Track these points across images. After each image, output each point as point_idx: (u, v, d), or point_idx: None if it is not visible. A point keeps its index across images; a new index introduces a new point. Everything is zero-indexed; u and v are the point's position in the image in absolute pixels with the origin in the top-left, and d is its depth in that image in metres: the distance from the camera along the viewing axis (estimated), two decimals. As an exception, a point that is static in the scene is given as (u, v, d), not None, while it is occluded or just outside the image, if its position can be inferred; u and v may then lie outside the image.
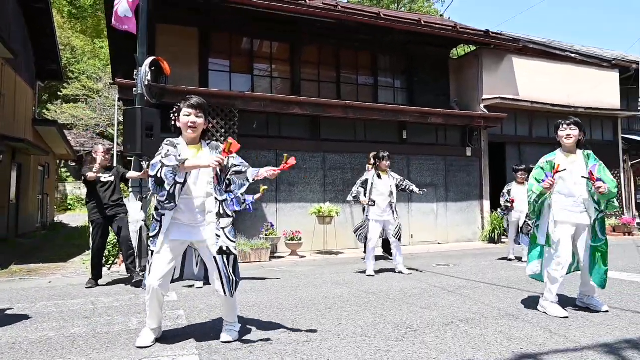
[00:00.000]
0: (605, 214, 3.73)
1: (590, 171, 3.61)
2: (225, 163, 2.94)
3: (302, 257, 8.19)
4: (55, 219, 17.38)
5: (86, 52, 26.56)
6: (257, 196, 5.74)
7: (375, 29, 9.80)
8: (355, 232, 6.31)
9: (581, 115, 11.99)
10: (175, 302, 4.31)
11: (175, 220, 2.93)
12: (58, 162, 19.31)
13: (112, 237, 6.13)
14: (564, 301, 4.02)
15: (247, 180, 3.09)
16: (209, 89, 8.67)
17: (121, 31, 6.39)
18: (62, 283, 5.55)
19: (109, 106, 20.43)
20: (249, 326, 3.39)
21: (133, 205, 5.89)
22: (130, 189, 6.47)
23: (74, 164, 22.37)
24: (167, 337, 3.12)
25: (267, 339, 3.07)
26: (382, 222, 5.94)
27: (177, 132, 3.06)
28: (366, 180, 5.99)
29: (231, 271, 2.95)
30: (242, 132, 8.36)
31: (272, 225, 8.29)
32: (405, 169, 10.09)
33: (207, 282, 5.07)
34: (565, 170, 3.66)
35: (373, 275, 5.75)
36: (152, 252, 2.93)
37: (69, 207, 23.20)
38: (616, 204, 3.70)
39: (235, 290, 3.01)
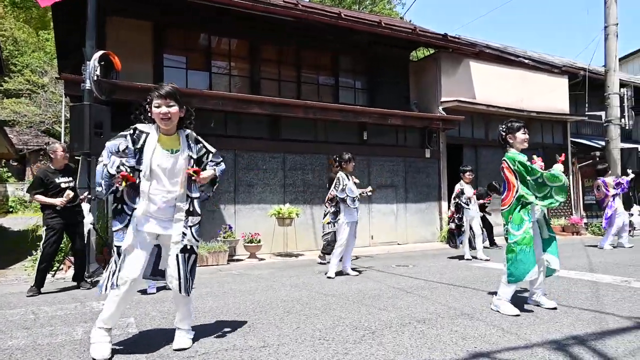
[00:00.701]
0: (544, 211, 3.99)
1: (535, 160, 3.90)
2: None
3: (261, 259, 8.12)
4: (-5, 222, 16.34)
5: (30, 44, 25.22)
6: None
7: (336, 29, 9.87)
8: (323, 237, 6.52)
9: (533, 119, 12.59)
10: (125, 308, 4.14)
11: (146, 214, 2.86)
12: (-2, 161, 18.21)
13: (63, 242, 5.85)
14: (515, 300, 4.19)
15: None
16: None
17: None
18: (0, 291, 5.23)
19: (55, 102, 19.48)
20: (204, 333, 3.31)
21: (85, 207, 5.65)
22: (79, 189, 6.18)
23: (15, 163, 21.16)
24: (115, 348, 2.99)
25: (223, 346, 3.01)
26: (352, 224, 5.97)
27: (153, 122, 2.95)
28: (339, 179, 5.93)
29: (189, 270, 2.95)
30: (198, 131, 8.11)
31: (231, 228, 8.18)
32: (366, 170, 10.22)
33: (160, 285, 4.92)
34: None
35: (333, 277, 5.78)
36: (118, 247, 2.80)
37: (10, 209, 21.92)
38: (556, 198, 3.82)
39: (191, 288, 2.98)
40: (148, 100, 2.92)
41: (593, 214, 13.69)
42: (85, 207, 5.70)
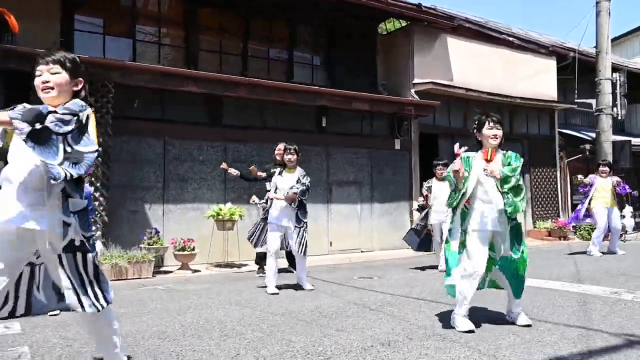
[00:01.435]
0: (516, 220, 4.04)
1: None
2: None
3: (196, 271, 7.99)
4: None
5: None
6: None
7: (291, -7, 9.80)
8: (249, 238, 6.62)
9: (518, 107, 13.05)
10: (17, 335, 3.93)
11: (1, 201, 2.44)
12: None
13: None
14: (494, 316, 4.29)
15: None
16: (74, 54, 8.06)
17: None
18: None
19: None
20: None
21: None
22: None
23: None
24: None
25: (141, 380, 2.88)
26: (281, 229, 5.93)
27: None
28: (273, 173, 6.10)
29: (90, 275, 2.53)
30: (118, 112, 7.90)
31: (158, 232, 8.00)
32: (324, 163, 10.23)
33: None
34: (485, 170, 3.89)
35: (277, 293, 5.74)
36: None
37: None
38: (518, 205, 3.93)
39: (103, 302, 2.55)
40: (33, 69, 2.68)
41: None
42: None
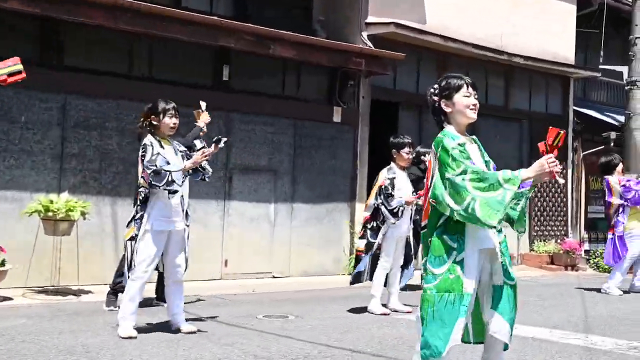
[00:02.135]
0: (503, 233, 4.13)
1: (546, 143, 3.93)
2: None
3: (6, 299, 7.77)
4: None
5: None
6: None
7: None
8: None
9: (518, 69, 13.40)
10: None
11: None
12: None
13: None
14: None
15: None
16: None
17: None
18: None
19: None
20: None
21: None
22: None
23: None
24: None
25: None
26: (166, 234, 5.85)
27: None
28: (146, 147, 5.95)
29: None
30: None
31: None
32: (223, 136, 10.09)
33: None
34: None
35: (135, 337, 5.69)
36: None
37: None
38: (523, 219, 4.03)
39: None
40: None
41: (599, 237, 14.83)
42: None
